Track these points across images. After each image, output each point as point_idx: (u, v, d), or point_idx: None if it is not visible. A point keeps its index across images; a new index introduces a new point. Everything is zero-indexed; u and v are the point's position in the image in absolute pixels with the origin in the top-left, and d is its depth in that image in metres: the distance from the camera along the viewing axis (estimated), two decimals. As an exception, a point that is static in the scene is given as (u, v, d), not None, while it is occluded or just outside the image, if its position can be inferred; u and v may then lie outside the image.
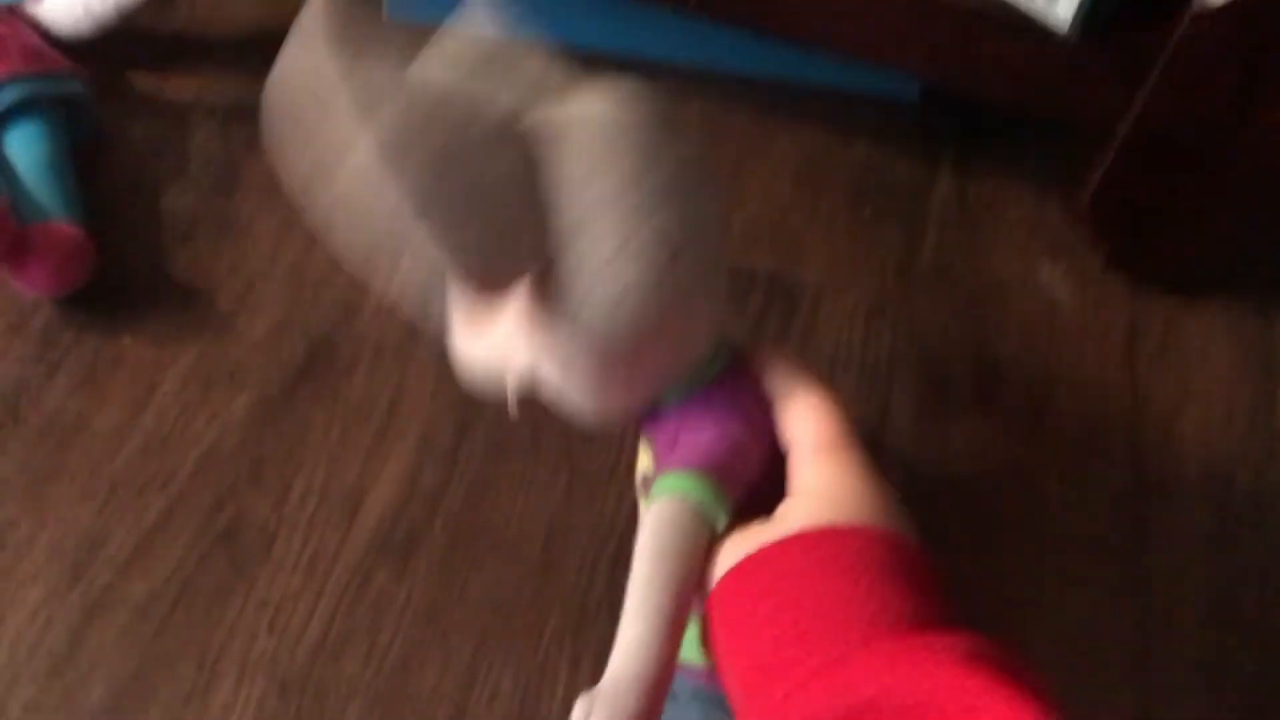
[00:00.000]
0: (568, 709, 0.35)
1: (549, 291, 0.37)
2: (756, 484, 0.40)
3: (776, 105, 0.72)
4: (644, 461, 0.43)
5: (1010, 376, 0.62)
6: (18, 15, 0.65)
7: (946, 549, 0.56)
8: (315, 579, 0.53)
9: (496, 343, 0.43)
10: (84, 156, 0.64)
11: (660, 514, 0.38)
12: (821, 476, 0.38)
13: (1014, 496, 0.58)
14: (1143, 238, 0.64)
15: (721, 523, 0.38)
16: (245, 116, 0.68)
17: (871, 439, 0.59)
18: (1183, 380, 0.63)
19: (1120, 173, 0.61)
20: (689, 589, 0.37)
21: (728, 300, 0.41)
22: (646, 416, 0.41)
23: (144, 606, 0.52)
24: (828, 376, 0.60)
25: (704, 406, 0.40)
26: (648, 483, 0.42)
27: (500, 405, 0.59)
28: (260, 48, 0.71)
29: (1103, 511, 0.58)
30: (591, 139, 0.36)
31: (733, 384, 0.41)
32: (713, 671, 0.39)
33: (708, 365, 0.40)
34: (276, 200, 0.65)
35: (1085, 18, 0.55)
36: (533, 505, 0.56)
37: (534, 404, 0.59)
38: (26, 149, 0.60)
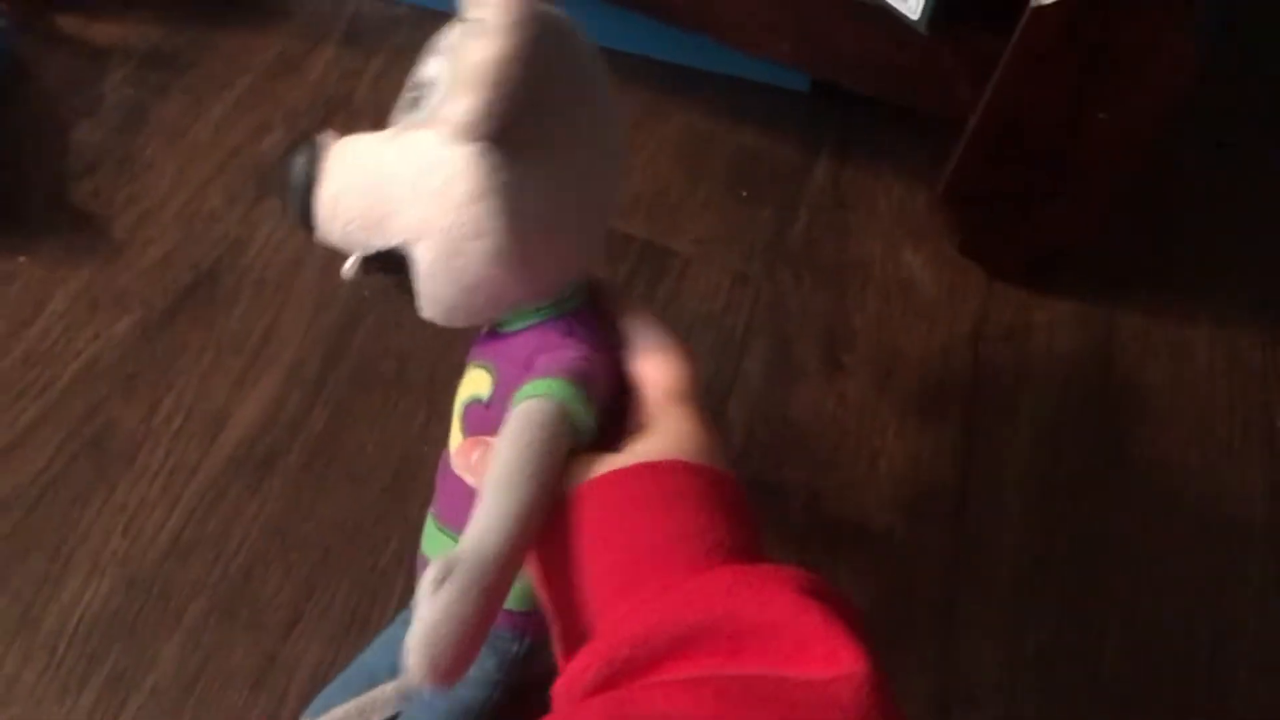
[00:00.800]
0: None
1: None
2: (603, 412, 0.40)
3: (672, 86, 0.76)
4: (473, 387, 0.43)
5: (859, 348, 0.66)
6: (-54, -50, 0.68)
7: (781, 494, 0.60)
8: (173, 489, 0.56)
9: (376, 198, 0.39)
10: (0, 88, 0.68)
11: (528, 410, 0.37)
12: (672, 418, 0.39)
13: (849, 451, 0.62)
14: (993, 227, 0.68)
15: (587, 427, 0.38)
16: (161, 63, 0.72)
17: (722, 394, 0.63)
18: (1023, 364, 0.67)
19: (971, 164, 0.65)
20: (549, 484, 0.36)
21: (599, 244, 0.41)
22: (485, 339, 0.42)
23: (5, 503, 0.55)
24: (687, 335, 0.64)
25: (561, 333, 0.40)
26: (477, 406, 0.42)
27: (367, 340, 0.62)
28: (182, 2, 0.75)
29: (930, 464, 0.62)
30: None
31: (588, 319, 0.41)
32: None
33: (566, 299, 0.40)
34: (179, 142, 0.68)
35: (934, 12, 0.59)
36: (389, 436, 0.59)
37: (398, 338, 0.63)
38: (-61, 74, 0.63)
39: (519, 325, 0.40)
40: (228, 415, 0.59)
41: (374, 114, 0.71)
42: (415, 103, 0.38)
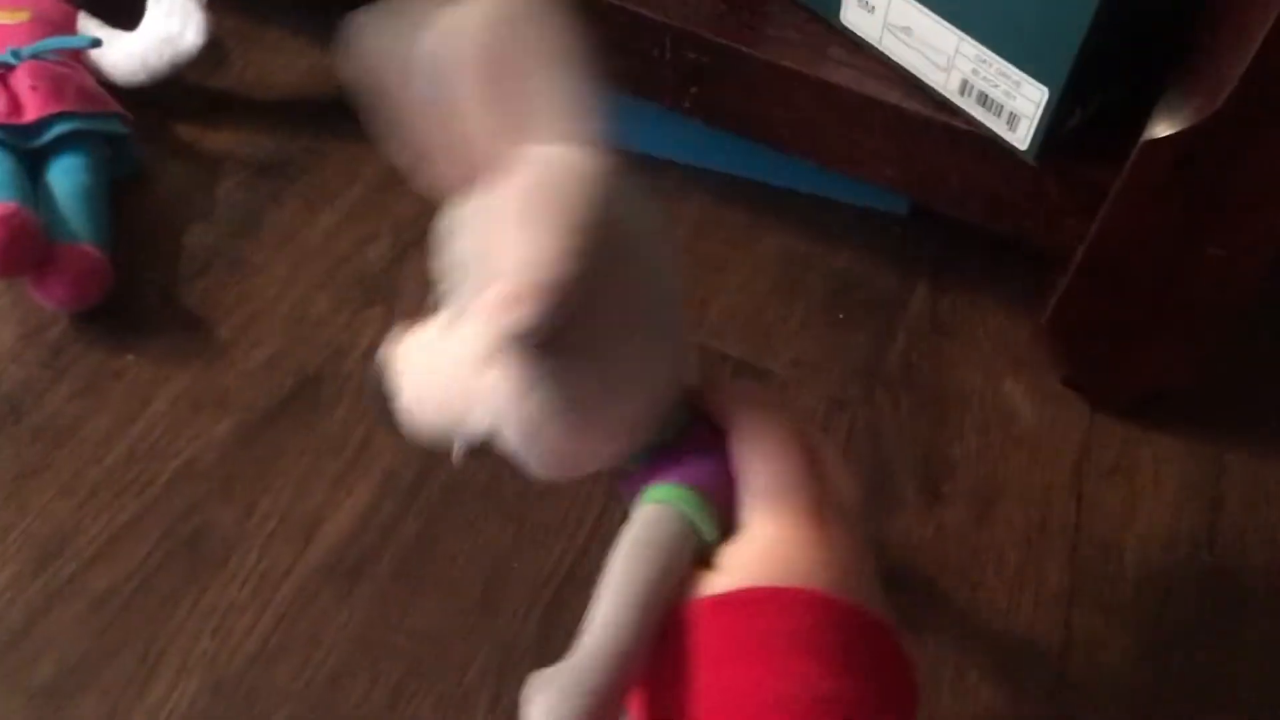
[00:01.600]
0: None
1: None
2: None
3: (768, 206, 0.76)
4: None
5: (958, 478, 0.65)
6: (81, 60, 0.72)
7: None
8: (263, 592, 0.56)
9: (453, 392, 0.40)
10: (120, 191, 0.70)
11: (646, 514, 0.36)
12: (766, 529, 0.35)
13: (946, 591, 0.60)
14: (1099, 359, 0.67)
15: (710, 535, 0.36)
16: (274, 171, 0.74)
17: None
18: (1128, 502, 0.65)
19: (1077, 295, 0.64)
20: (667, 589, 0.35)
21: (683, 360, 0.40)
22: (619, 481, 0.41)
23: (101, 599, 0.55)
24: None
25: (672, 460, 0.38)
26: None
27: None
28: (297, 112, 0.78)
29: (1031, 601, 0.60)
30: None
31: (697, 435, 0.39)
32: None
33: (668, 426, 0.39)
34: (289, 248, 0.70)
35: (1044, 142, 0.59)
36: (479, 548, 0.59)
37: (492, 453, 0.62)
38: (68, 177, 0.66)
39: (633, 464, 0.40)
40: (321, 520, 0.59)
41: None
42: (452, 289, 0.38)
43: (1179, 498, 0.65)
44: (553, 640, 0.57)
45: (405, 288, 0.69)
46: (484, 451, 0.39)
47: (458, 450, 0.40)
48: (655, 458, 0.39)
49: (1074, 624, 0.59)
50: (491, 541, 0.59)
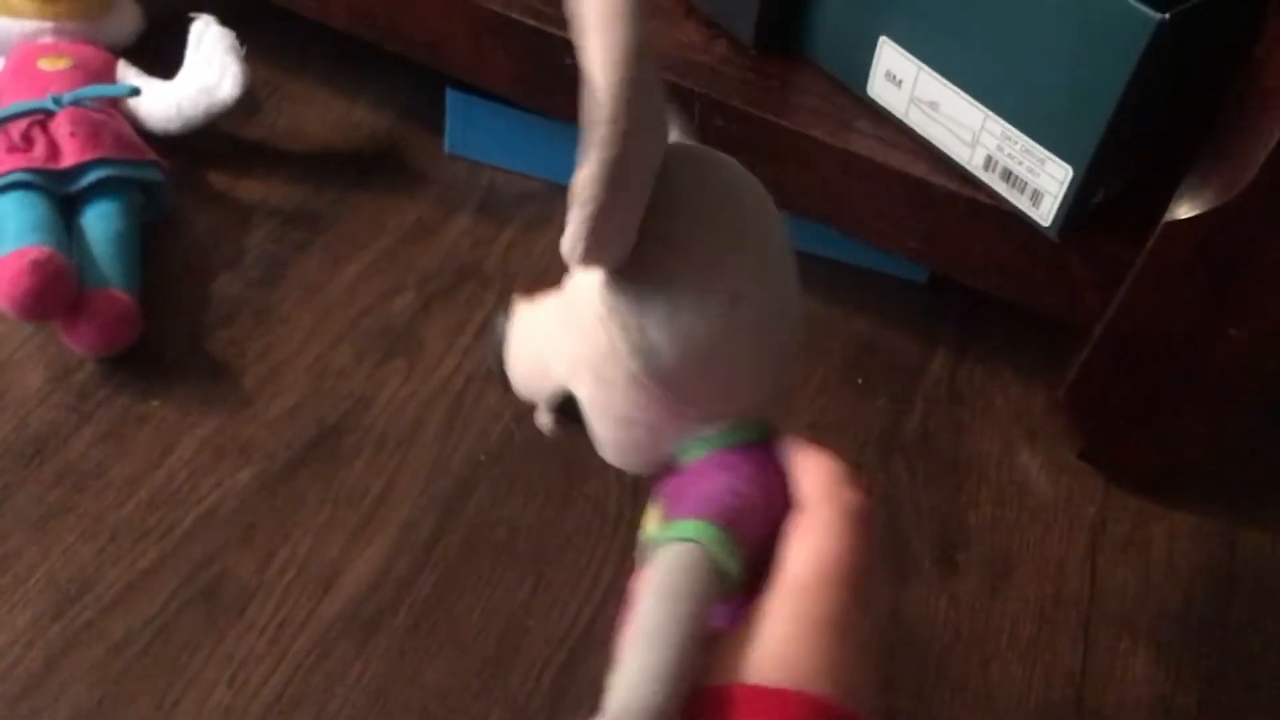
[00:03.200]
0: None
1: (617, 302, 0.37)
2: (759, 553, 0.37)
3: (790, 271, 0.77)
4: (650, 525, 0.41)
5: (973, 548, 0.65)
6: (119, 108, 0.73)
7: (889, 690, 0.58)
8: (280, 643, 0.56)
9: (542, 348, 0.41)
10: (151, 237, 0.71)
11: (670, 557, 0.35)
12: (786, 623, 0.34)
13: (958, 663, 0.60)
14: (1115, 434, 0.67)
15: (734, 572, 0.35)
16: (303, 221, 0.75)
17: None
18: (1142, 577, 0.65)
19: (1095, 370, 0.65)
20: (697, 637, 0.34)
21: (782, 377, 0.40)
22: (663, 473, 0.40)
23: (119, 645, 0.56)
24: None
25: (721, 466, 0.38)
26: (645, 544, 0.39)
27: (480, 506, 0.63)
28: (327, 163, 0.79)
29: (1044, 675, 0.60)
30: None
31: (764, 457, 0.39)
32: None
33: (737, 430, 0.39)
34: (315, 299, 0.71)
35: (1066, 218, 0.60)
36: (495, 604, 0.59)
37: (510, 507, 0.63)
38: (100, 222, 0.67)
39: (688, 458, 0.39)
40: (339, 572, 0.59)
41: (502, 282, 0.73)
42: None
43: (1192, 574, 0.66)
44: (566, 700, 0.57)
45: (428, 341, 0.70)
46: (566, 421, 0.40)
47: (542, 413, 0.41)
48: (714, 454, 0.39)
49: (1085, 699, 0.59)
50: (507, 597, 0.60)
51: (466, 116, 0.79)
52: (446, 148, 0.81)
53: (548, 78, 0.69)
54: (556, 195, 0.78)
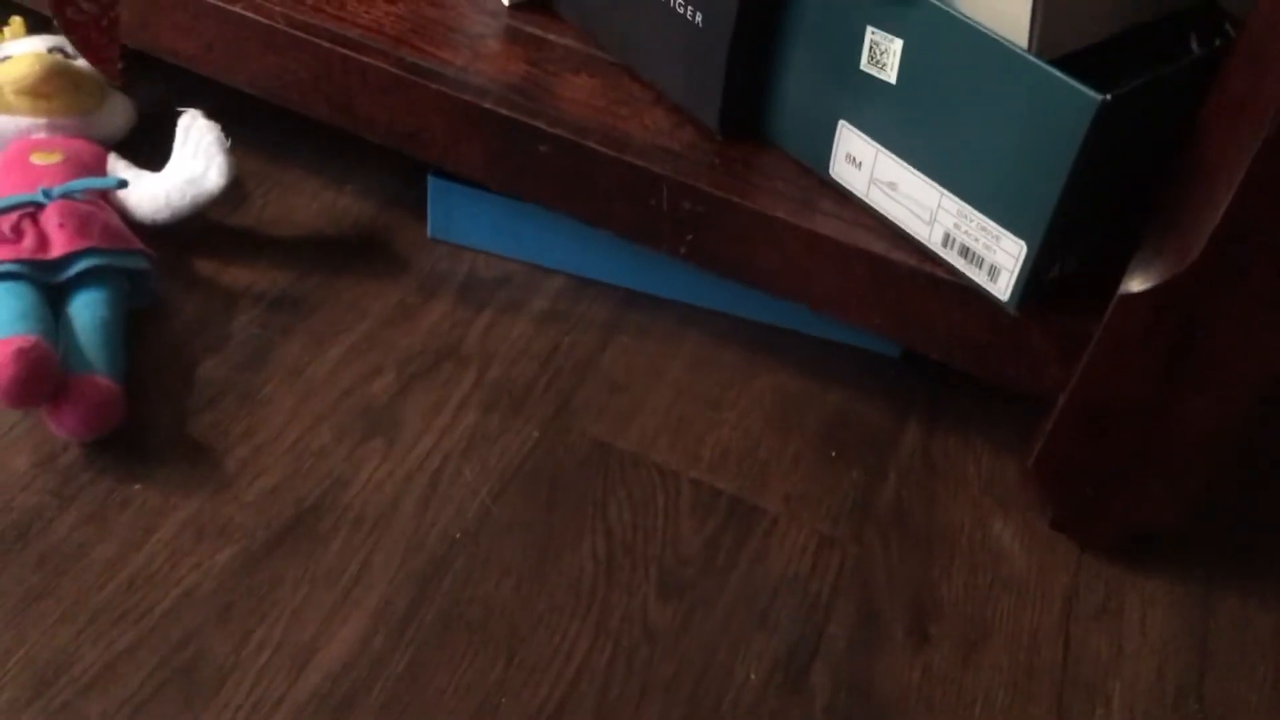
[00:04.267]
0: None
1: None
2: None
3: (763, 345, 0.78)
4: None
5: (945, 619, 0.65)
6: (108, 199, 0.75)
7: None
8: (254, 722, 0.57)
9: None
10: (137, 322, 0.73)
11: None
12: None
13: (931, 735, 0.60)
14: (1085, 503, 0.68)
15: None
16: (286, 306, 0.77)
17: (805, 661, 0.62)
18: (1115, 645, 0.65)
19: (1062, 441, 0.66)
20: None
21: None
22: None
23: (94, 727, 0.56)
24: (772, 598, 0.65)
25: None
26: None
27: (455, 584, 0.63)
28: (311, 250, 0.81)
29: (1015, 760, 0.60)
30: None
31: None
32: None
33: None
34: (297, 381, 0.72)
35: (1024, 293, 0.61)
36: (469, 682, 0.60)
37: (484, 587, 0.64)
38: (87, 310, 0.69)
39: None
40: (314, 650, 0.60)
41: (480, 361, 0.75)
42: None
43: (1167, 642, 0.66)
44: (538, 777, 0.57)
45: (406, 420, 0.71)
46: None
47: None
48: None
49: (1060, 770, 0.60)
50: (481, 676, 0.60)
51: (447, 202, 0.81)
52: (429, 233, 0.83)
53: (521, 164, 0.72)
54: (535, 277, 0.80)
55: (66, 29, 0.67)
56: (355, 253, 0.82)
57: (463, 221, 0.82)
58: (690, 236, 0.69)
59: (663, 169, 0.68)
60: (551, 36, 0.76)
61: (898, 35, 0.60)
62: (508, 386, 0.74)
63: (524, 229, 0.81)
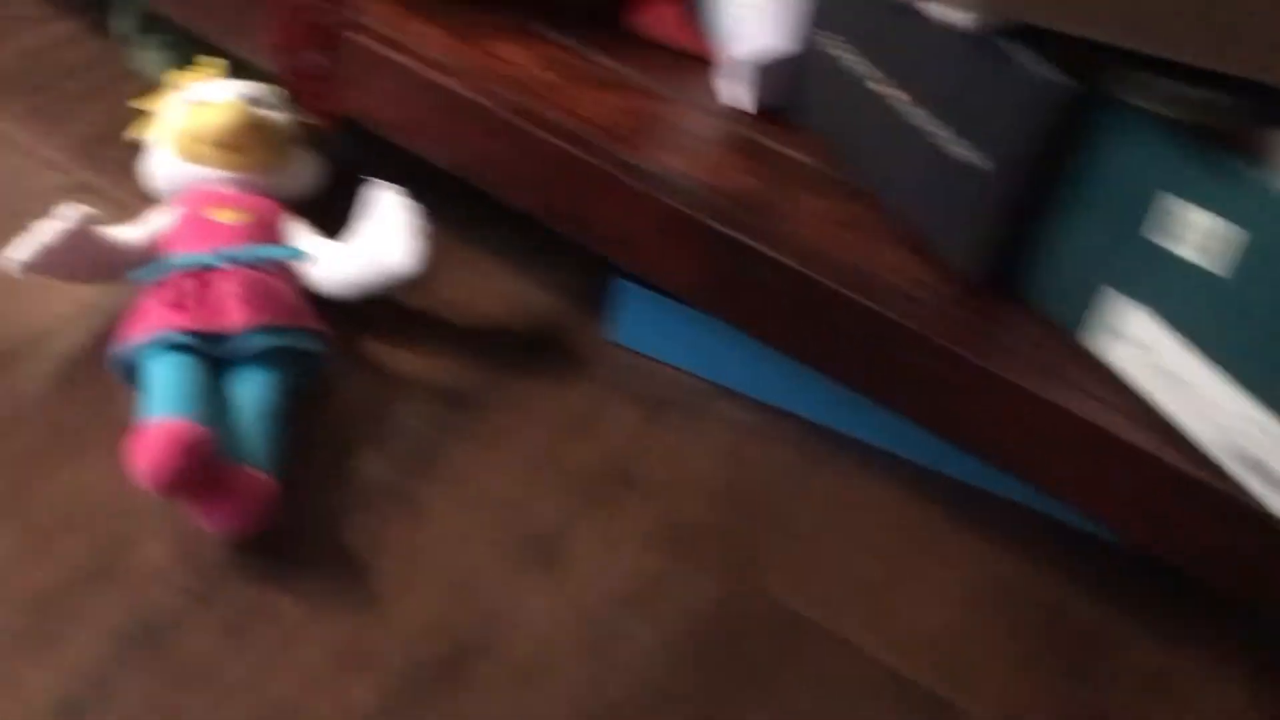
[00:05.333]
0: None
1: None
2: None
3: (971, 511, 0.70)
4: None
5: None
6: (292, 271, 0.70)
7: None
8: None
9: None
10: (297, 404, 0.67)
11: None
12: None
13: None
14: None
15: None
16: (457, 402, 0.71)
17: None
18: None
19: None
20: None
21: None
22: None
23: None
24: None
25: None
26: None
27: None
28: (488, 341, 0.75)
29: None
30: None
31: None
32: None
33: None
34: (461, 491, 0.66)
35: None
36: None
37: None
38: (253, 394, 0.63)
39: None
40: (455, 823, 0.53)
41: (656, 492, 0.67)
42: None
43: None
44: None
45: (576, 554, 0.64)
46: None
47: None
48: None
49: None
50: None
51: (636, 309, 0.74)
52: (611, 337, 0.76)
53: (733, 286, 0.65)
54: (721, 398, 0.73)
55: (286, 78, 0.62)
56: (532, 349, 0.75)
57: (648, 330, 0.75)
58: (921, 395, 0.61)
59: (902, 317, 0.60)
60: (790, 151, 0.70)
61: (1238, 224, 0.51)
62: (685, 525, 0.67)
63: (716, 347, 0.74)
